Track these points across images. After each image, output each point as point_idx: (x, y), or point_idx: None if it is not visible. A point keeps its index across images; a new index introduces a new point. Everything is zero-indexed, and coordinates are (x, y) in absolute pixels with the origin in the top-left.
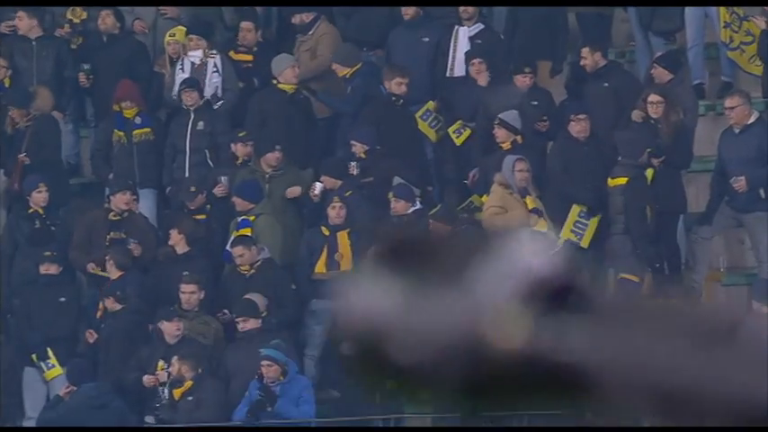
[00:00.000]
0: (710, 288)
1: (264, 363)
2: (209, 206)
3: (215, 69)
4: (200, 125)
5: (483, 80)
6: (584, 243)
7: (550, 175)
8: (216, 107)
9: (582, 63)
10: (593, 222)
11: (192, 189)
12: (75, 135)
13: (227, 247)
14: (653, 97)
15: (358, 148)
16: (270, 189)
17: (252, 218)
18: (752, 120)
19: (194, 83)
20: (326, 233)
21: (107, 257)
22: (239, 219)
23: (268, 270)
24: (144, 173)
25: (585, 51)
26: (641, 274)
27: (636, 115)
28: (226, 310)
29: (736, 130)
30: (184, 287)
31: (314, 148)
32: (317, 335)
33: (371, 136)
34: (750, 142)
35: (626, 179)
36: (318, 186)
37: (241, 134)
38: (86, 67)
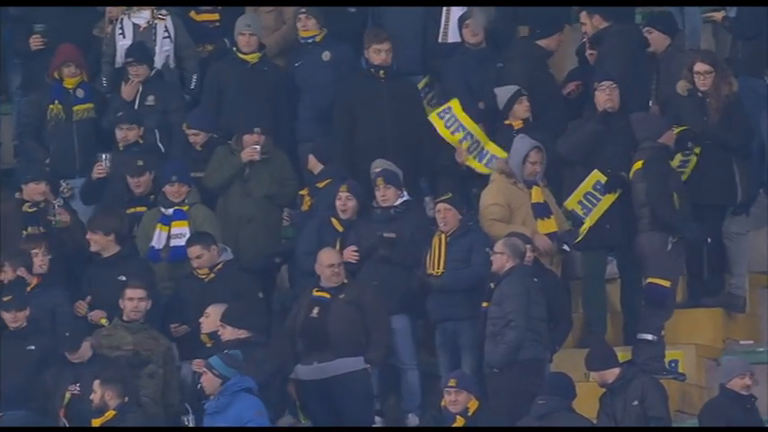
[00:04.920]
0: (755, 295)
1: (203, 369)
2: (152, 196)
3: (166, 34)
4: (150, 100)
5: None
6: (588, 221)
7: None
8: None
9: (583, 30)
10: (607, 199)
11: (140, 163)
12: None
13: (153, 243)
14: (700, 66)
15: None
16: (248, 176)
17: (186, 207)
18: None
19: (143, 54)
20: (340, 229)
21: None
22: (170, 210)
23: (230, 274)
24: (84, 157)
25: (584, 16)
26: (674, 278)
27: (681, 87)
28: (183, 323)
29: None
30: (130, 293)
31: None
32: None
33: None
34: None
35: (641, 162)
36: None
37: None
38: (40, 28)
